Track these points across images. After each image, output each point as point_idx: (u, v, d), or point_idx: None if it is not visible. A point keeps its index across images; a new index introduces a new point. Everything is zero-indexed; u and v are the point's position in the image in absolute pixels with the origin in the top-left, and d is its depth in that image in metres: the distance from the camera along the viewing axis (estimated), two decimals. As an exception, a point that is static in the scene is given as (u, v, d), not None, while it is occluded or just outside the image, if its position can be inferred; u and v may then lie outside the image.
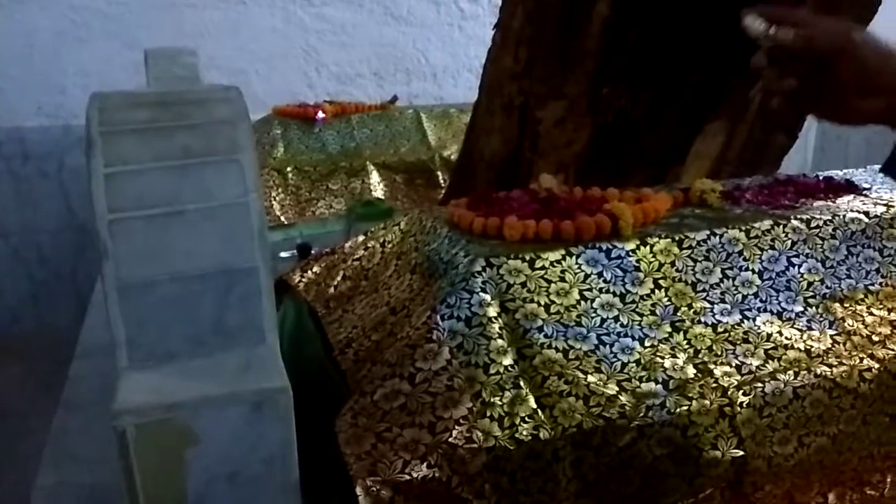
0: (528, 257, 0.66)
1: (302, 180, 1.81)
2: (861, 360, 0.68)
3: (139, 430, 0.48)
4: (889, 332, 0.71)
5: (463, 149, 1.34)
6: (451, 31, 2.60)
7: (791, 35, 0.50)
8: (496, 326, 0.62)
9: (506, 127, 1.11)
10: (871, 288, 0.74)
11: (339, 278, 0.85)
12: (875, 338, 0.70)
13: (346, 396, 0.66)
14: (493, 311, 0.63)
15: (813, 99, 0.50)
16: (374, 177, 1.87)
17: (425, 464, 0.55)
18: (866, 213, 0.78)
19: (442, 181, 1.89)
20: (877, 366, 0.68)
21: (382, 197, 1.82)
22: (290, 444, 0.53)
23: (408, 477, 0.54)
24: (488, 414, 0.57)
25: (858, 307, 0.73)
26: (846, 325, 0.71)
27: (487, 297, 0.63)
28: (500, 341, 0.61)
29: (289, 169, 1.80)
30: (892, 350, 0.70)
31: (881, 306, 0.73)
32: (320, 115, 1.90)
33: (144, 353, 0.53)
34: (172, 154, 0.53)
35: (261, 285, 0.55)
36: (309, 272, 0.90)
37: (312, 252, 1.23)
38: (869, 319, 0.72)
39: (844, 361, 0.67)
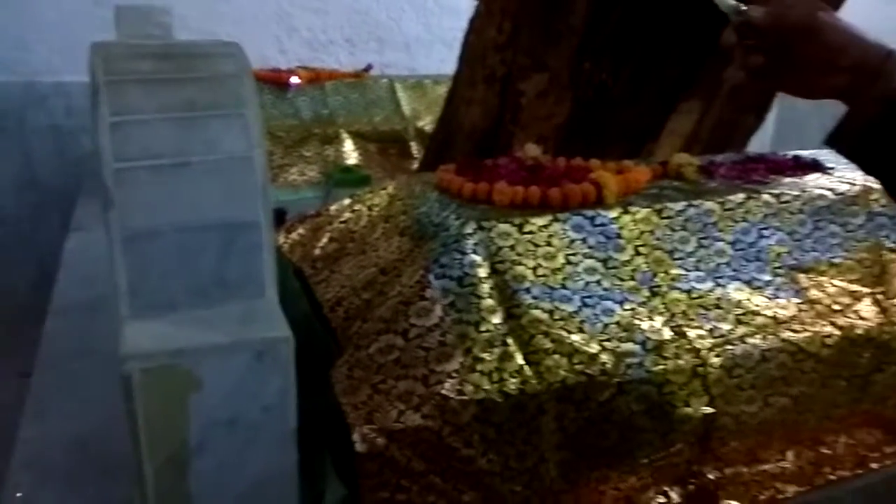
0: (517, 222, 0.69)
1: (275, 146, 1.80)
2: (823, 326, 0.72)
3: (145, 374, 0.50)
4: (849, 302, 0.76)
5: (441, 119, 1.35)
6: (424, 1, 2.59)
7: (760, 12, 0.52)
8: (486, 286, 0.64)
9: (487, 98, 1.13)
10: (834, 261, 0.79)
11: (325, 240, 0.87)
12: (836, 307, 0.75)
13: (336, 352, 0.68)
14: (483, 272, 0.65)
15: (777, 75, 0.52)
16: (348, 145, 1.87)
17: (419, 413, 0.57)
18: (832, 190, 0.82)
19: (416, 152, 1.90)
20: (837, 333, 0.72)
21: (356, 165, 1.82)
22: (290, 392, 0.55)
23: (402, 426, 0.57)
24: (478, 368, 0.60)
25: (822, 278, 0.77)
26: (810, 294, 0.75)
27: (478, 259, 0.65)
28: (489, 300, 0.64)
29: (261, 134, 1.79)
30: (851, 319, 0.74)
31: (842, 278, 0.78)
32: (294, 80, 1.89)
33: (147, 302, 0.54)
34: (178, 106, 0.53)
35: (262, 239, 0.57)
36: (293, 233, 0.91)
37: (287, 217, 1.23)
38: (831, 290, 0.77)
39: (808, 328, 0.72)
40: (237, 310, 0.56)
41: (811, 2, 0.52)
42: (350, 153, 1.87)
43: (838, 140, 0.50)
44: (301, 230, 0.90)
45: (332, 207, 0.90)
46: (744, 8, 0.53)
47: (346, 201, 0.89)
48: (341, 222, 0.87)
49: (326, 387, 0.61)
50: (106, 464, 0.72)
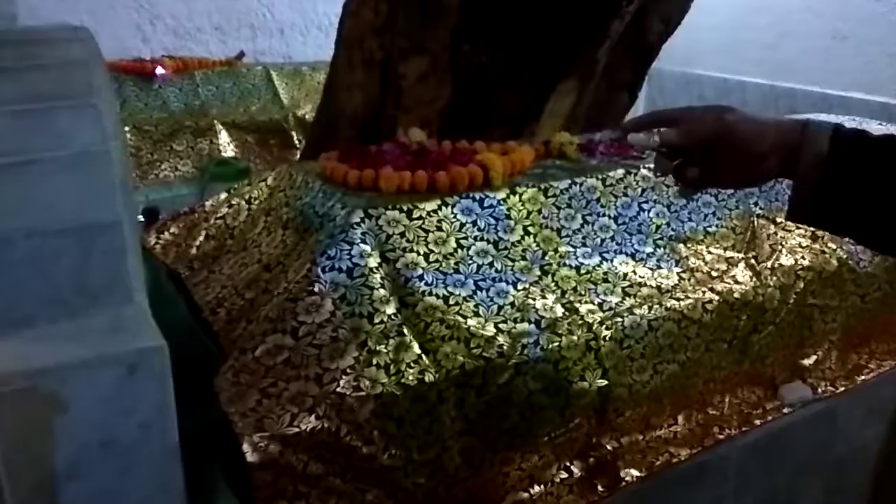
0: (405, 208, 0.67)
1: (142, 141, 1.69)
2: (703, 293, 0.75)
3: (1, 399, 0.44)
4: (725, 268, 0.80)
5: (321, 105, 1.30)
6: (297, -15, 2.51)
7: (674, 135, 0.54)
8: (378, 276, 0.62)
9: (368, 82, 1.10)
10: (709, 229, 0.82)
11: (201, 238, 0.81)
12: (714, 273, 0.79)
13: (220, 357, 0.63)
14: (373, 262, 0.63)
15: (716, 177, 0.54)
16: (224, 137, 1.78)
17: (314, 415, 0.55)
18: (704, 163, 0.86)
19: (297, 141, 1.84)
20: (716, 298, 0.75)
21: (234, 157, 1.74)
22: (168, 405, 0.51)
23: (296, 430, 0.54)
24: (374, 362, 0.58)
25: (699, 247, 0.81)
26: (689, 262, 0.78)
27: (368, 248, 0.63)
28: (382, 291, 0.61)
29: (126, 129, 1.67)
30: (728, 283, 0.78)
31: (718, 245, 0.82)
32: (160, 70, 1.78)
33: (-3, 319, 0.48)
34: (21, 97, 0.48)
35: (125, 241, 0.52)
36: (166, 233, 0.85)
37: (161, 216, 1.16)
38: (708, 257, 0.80)
39: (689, 295, 0.75)
40: (103, 320, 0.51)
41: (714, 108, 0.54)
42: (226, 145, 1.78)
43: (799, 214, 0.52)
44: (174, 229, 0.84)
45: (208, 203, 0.84)
46: (656, 138, 0.55)
47: (223, 196, 0.84)
48: (218, 218, 0.82)
49: (211, 396, 0.57)
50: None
